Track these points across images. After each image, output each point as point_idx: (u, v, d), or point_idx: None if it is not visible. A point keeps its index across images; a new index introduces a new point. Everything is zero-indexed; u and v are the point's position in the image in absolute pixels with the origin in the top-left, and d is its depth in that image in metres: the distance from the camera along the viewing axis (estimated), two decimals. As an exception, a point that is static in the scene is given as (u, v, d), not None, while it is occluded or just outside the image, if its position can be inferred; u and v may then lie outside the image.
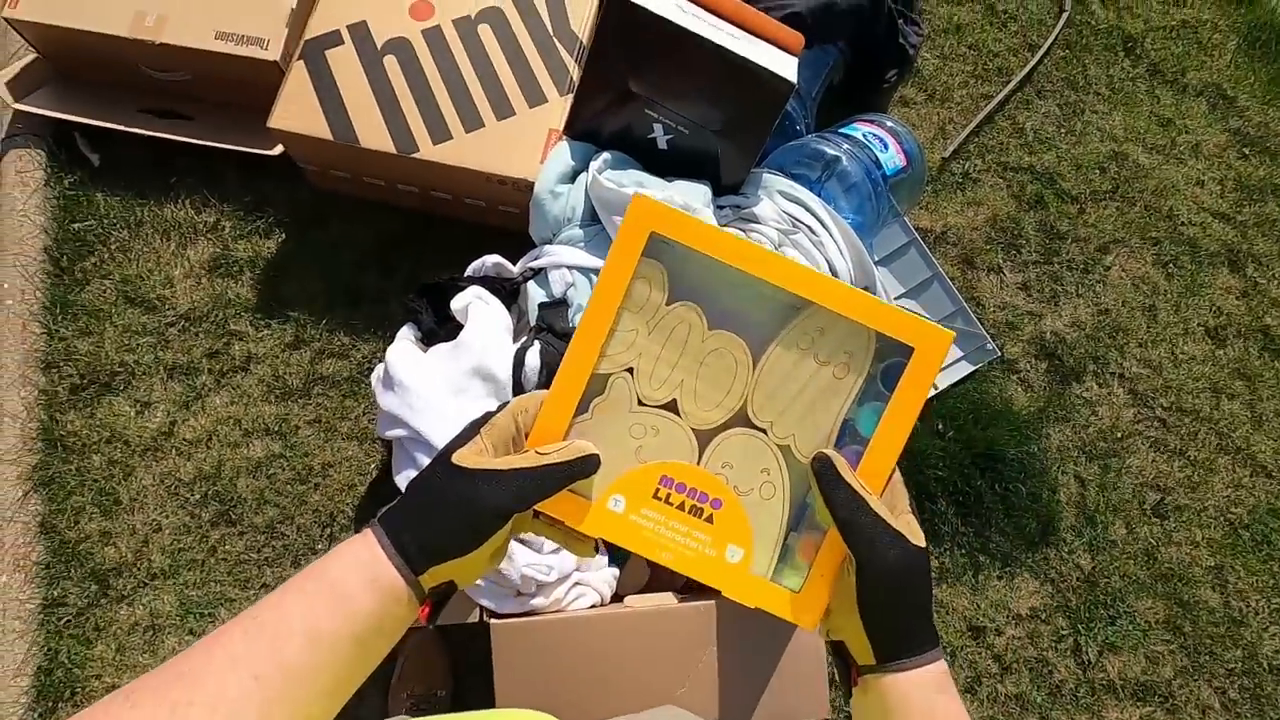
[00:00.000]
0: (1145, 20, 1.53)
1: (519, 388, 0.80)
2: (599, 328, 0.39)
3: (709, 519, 0.40)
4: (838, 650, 0.41)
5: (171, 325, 1.14)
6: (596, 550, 0.43)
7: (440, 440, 0.74)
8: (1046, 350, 1.27)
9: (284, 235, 1.21)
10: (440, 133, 1.09)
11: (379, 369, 0.87)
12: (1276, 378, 1.29)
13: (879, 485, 0.39)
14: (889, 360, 0.40)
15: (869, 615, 0.37)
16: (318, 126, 1.08)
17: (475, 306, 0.87)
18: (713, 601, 0.73)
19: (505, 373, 0.80)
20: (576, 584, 0.80)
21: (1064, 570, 1.15)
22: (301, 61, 1.11)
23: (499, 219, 1.19)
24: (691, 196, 0.97)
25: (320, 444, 1.09)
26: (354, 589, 0.35)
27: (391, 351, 0.83)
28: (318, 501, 1.07)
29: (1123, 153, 1.41)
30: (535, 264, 0.97)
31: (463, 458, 0.37)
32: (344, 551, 0.36)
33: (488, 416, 0.39)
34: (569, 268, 0.94)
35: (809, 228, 1.00)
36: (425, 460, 0.76)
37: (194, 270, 1.17)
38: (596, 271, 0.95)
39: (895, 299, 1.18)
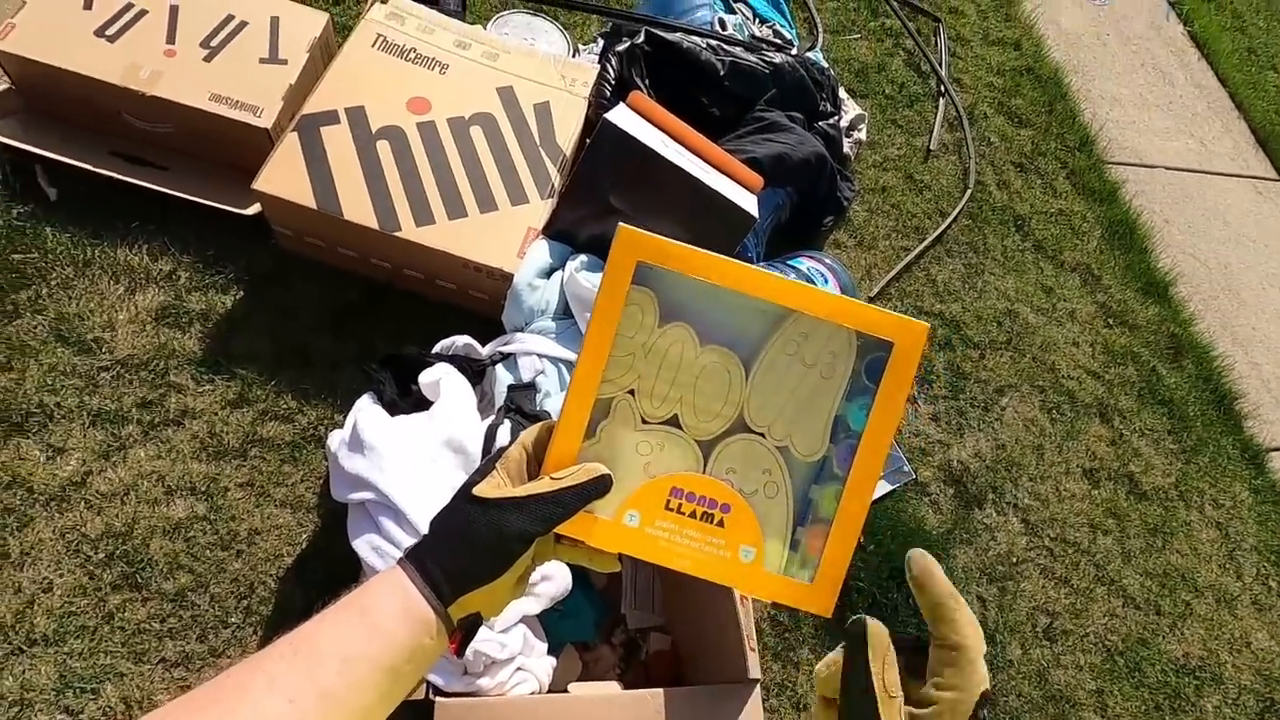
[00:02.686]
0: (1031, 204, 1.82)
1: (488, 464, 0.82)
2: (598, 355, 0.41)
3: (720, 523, 0.42)
4: None
5: (105, 370, 1.08)
6: (620, 564, 0.44)
7: (408, 504, 0.74)
8: (953, 477, 1.40)
9: (241, 292, 1.20)
10: (424, 216, 1.14)
11: (339, 433, 0.87)
12: (1140, 519, 1.47)
13: (876, 472, 0.42)
14: (871, 356, 0.42)
15: None
16: (303, 194, 1.12)
17: (447, 381, 0.89)
18: (660, 691, 0.74)
19: (476, 447, 0.82)
20: (519, 669, 0.79)
21: (967, 687, 1.22)
22: (295, 133, 1.16)
23: (465, 301, 1.23)
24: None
25: (250, 509, 1.04)
26: (386, 619, 0.36)
27: (360, 414, 0.83)
28: (238, 570, 1.00)
29: (1015, 310, 1.64)
30: (505, 348, 1.01)
31: (483, 490, 0.39)
32: (375, 584, 0.38)
33: (500, 452, 0.41)
34: (539, 355, 0.99)
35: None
36: (389, 524, 0.75)
37: (139, 316, 1.14)
38: (565, 361, 1.01)
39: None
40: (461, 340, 1.03)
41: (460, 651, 0.39)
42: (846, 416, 0.42)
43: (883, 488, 1.35)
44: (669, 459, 0.42)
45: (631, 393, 0.42)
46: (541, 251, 1.09)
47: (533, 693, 0.79)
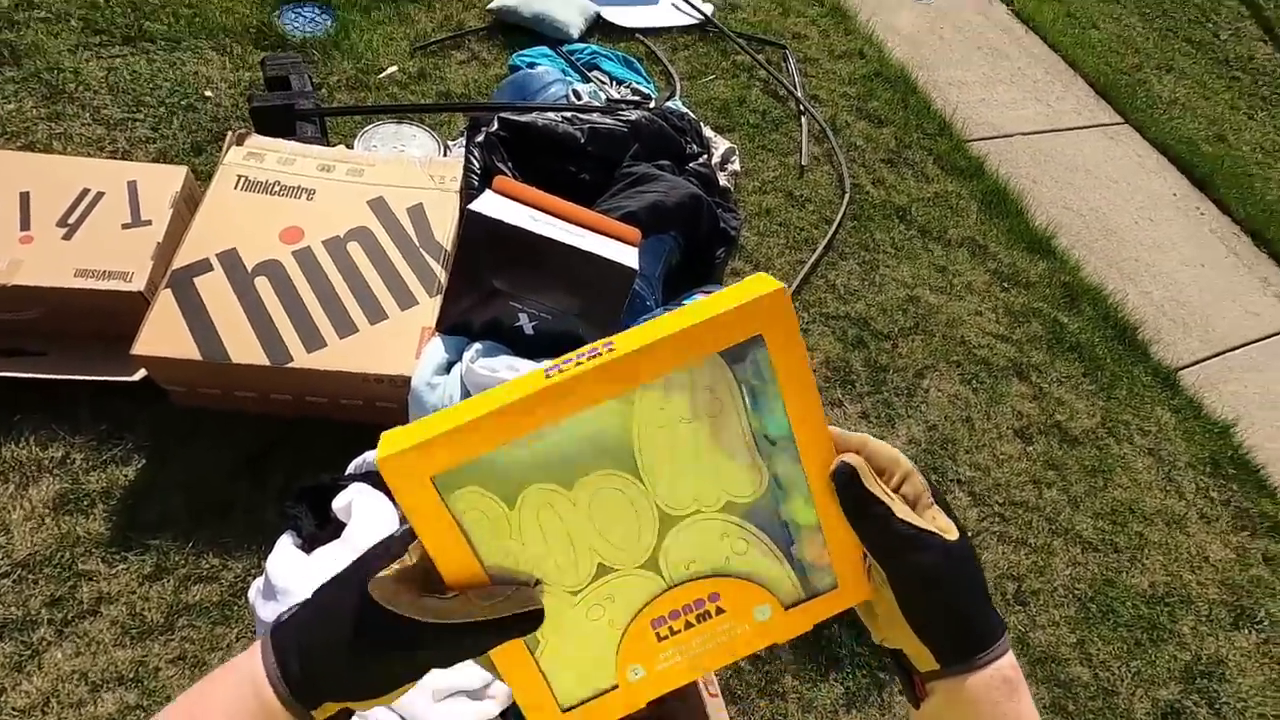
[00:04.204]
0: (908, 194, 1.92)
1: (410, 578, 0.80)
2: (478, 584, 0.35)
3: (720, 611, 0.38)
4: (896, 659, 0.38)
5: (4, 576, 1.03)
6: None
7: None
8: (894, 468, 1.42)
9: (143, 460, 1.16)
10: (314, 341, 1.14)
11: (257, 582, 0.84)
12: (1078, 463, 1.51)
13: (830, 453, 0.35)
14: (750, 356, 0.34)
15: (918, 625, 0.35)
16: (185, 348, 1.10)
17: (359, 501, 0.88)
18: None
19: (395, 565, 0.80)
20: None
21: (957, 673, 1.22)
22: (169, 290, 1.15)
23: (374, 416, 1.22)
24: (560, 373, 1.07)
25: (185, 683, 0.99)
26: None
27: (272, 560, 0.81)
28: (183, 753, 0.94)
29: (915, 295, 1.71)
30: (417, 453, 1.00)
31: (384, 591, 0.32)
32: (228, 672, 0.33)
33: (413, 532, 0.33)
34: (451, 452, 0.98)
35: (669, 388, 1.12)
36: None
37: (35, 511, 1.09)
38: (478, 452, 1.00)
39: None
40: (372, 455, 1.01)
41: None
42: (765, 429, 0.35)
43: (830, 496, 1.36)
44: (626, 602, 0.37)
45: (538, 583, 0.35)
46: (436, 349, 1.10)
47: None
